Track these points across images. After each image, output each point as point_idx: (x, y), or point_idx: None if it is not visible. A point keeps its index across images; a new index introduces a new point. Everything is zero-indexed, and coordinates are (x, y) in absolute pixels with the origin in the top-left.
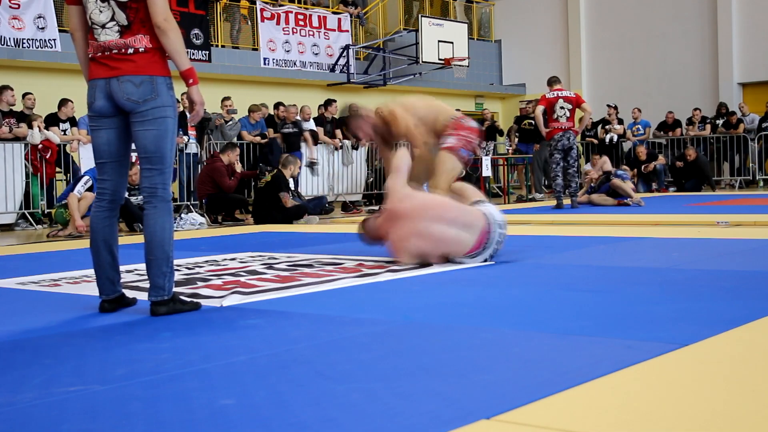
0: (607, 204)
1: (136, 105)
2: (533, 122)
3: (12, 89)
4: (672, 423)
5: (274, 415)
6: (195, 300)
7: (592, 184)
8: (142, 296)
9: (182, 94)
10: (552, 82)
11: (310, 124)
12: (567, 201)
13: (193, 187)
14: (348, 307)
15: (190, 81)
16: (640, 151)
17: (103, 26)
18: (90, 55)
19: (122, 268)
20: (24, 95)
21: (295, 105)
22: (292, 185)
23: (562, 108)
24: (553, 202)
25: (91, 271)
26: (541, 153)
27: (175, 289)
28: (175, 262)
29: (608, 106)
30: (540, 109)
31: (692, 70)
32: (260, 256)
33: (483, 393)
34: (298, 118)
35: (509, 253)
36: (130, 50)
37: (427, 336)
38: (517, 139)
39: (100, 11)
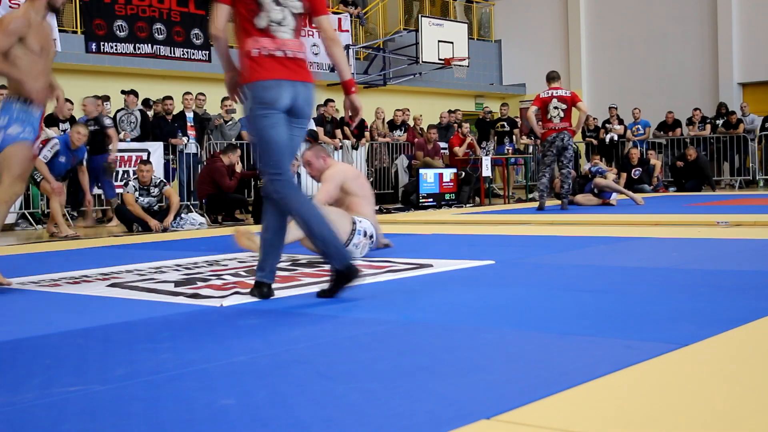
0: (591, 204)
1: (309, 112)
2: (506, 124)
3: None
4: (672, 423)
5: (274, 415)
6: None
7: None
8: (142, 296)
9: (163, 98)
10: (550, 78)
11: (311, 124)
12: (553, 202)
13: (193, 187)
14: (348, 307)
15: (353, 89)
16: (632, 154)
17: (279, 23)
18: (265, 52)
19: (122, 267)
20: None
21: (95, 97)
22: None
23: (556, 108)
24: (557, 203)
25: (91, 271)
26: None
27: (175, 289)
28: (176, 261)
29: (611, 107)
30: (533, 109)
31: (692, 70)
32: None
33: (483, 393)
34: (101, 113)
35: (510, 252)
36: (301, 55)
37: (427, 336)
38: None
39: (275, 11)
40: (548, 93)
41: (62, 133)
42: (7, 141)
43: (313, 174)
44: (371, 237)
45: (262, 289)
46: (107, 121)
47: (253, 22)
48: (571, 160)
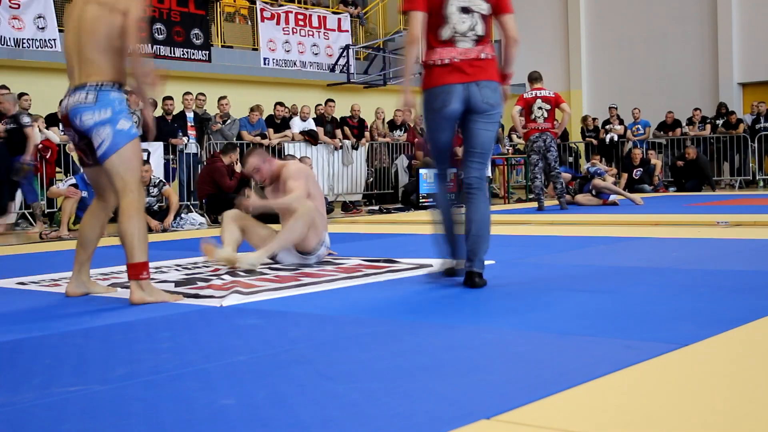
0: (592, 204)
1: (490, 108)
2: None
3: (6, 88)
4: (672, 423)
5: (274, 415)
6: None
7: (569, 186)
8: None
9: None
10: (533, 79)
11: (310, 124)
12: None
13: (193, 187)
14: (348, 307)
15: (507, 81)
16: (634, 153)
17: (463, 34)
18: (439, 62)
19: (122, 267)
20: (20, 96)
21: (10, 93)
22: None
23: (540, 108)
24: (557, 203)
25: (91, 271)
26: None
27: (175, 289)
28: (176, 262)
29: (611, 107)
30: (516, 109)
31: (692, 70)
32: None
33: (483, 393)
34: (20, 110)
35: (510, 252)
36: (483, 55)
37: (427, 336)
38: None
39: (463, 22)
40: (532, 93)
41: (62, 132)
42: (122, 139)
43: (263, 179)
44: (328, 247)
45: (474, 279)
46: (26, 119)
47: (437, 33)
48: (557, 160)
